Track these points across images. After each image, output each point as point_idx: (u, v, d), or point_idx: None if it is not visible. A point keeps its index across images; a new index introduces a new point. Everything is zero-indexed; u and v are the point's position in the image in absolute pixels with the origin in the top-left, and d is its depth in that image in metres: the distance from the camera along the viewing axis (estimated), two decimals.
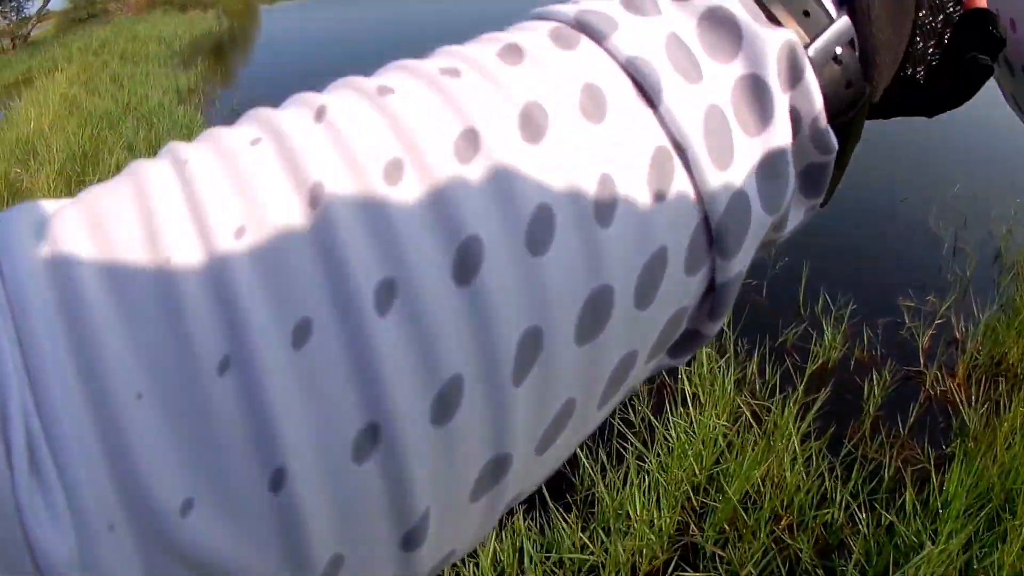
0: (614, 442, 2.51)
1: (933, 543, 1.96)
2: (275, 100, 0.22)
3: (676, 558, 2.05)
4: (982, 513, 2.15)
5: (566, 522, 2.02)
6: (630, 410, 2.71)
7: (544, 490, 2.24)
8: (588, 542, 2.01)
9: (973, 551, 2.06)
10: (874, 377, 3.00)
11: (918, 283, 4.01)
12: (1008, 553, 1.96)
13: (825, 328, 3.32)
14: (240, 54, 13.54)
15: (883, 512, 2.17)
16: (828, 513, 2.19)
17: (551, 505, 2.16)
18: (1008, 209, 5.42)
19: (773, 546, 2.09)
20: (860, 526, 2.13)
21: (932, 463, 2.46)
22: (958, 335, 3.58)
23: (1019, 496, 2.21)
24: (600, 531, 2.09)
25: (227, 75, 10.54)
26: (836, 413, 2.79)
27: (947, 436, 2.63)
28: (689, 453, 2.30)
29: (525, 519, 2.05)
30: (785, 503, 2.25)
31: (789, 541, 2.12)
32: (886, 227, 5.33)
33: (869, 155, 6.77)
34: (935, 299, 3.81)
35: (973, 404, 2.82)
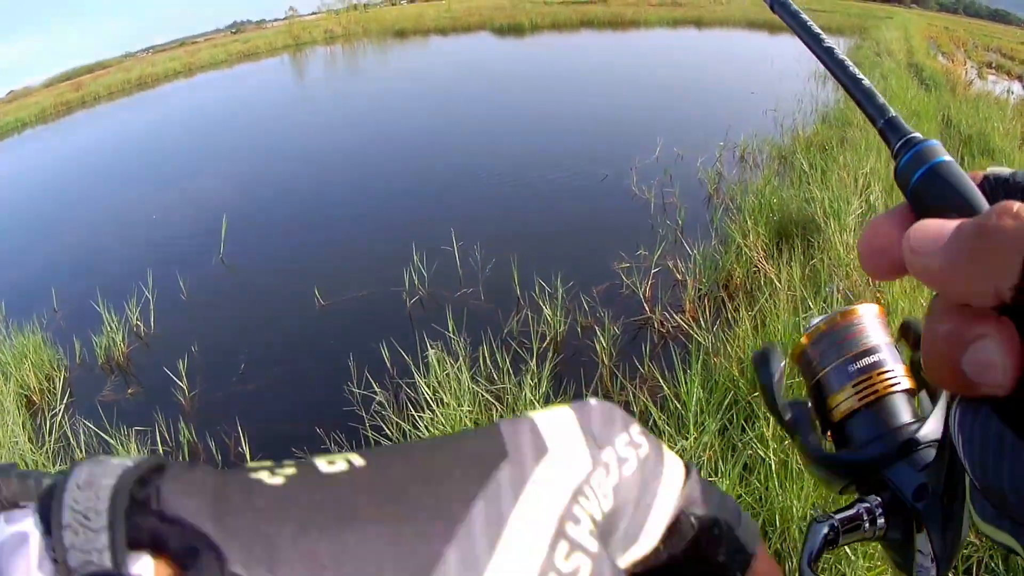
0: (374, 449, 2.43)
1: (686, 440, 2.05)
2: None
3: None
4: (726, 401, 2.31)
5: None
6: (380, 419, 2.74)
7: None
8: None
9: (732, 434, 2.20)
10: (602, 335, 3.14)
11: (630, 245, 4.33)
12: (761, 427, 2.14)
13: (544, 308, 3.45)
14: None
15: None
16: None
17: None
18: (713, 154, 6.17)
19: None
20: None
21: (673, 383, 2.60)
22: (679, 276, 3.94)
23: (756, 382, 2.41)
24: None
25: None
26: (574, 374, 2.89)
27: (685, 359, 2.80)
28: None
29: None
30: None
31: None
32: (591, 206, 5.76)
33: (561, 146, 7.38)
34: (646, 252, 4.14)
35: (704, 327, 3.06)
